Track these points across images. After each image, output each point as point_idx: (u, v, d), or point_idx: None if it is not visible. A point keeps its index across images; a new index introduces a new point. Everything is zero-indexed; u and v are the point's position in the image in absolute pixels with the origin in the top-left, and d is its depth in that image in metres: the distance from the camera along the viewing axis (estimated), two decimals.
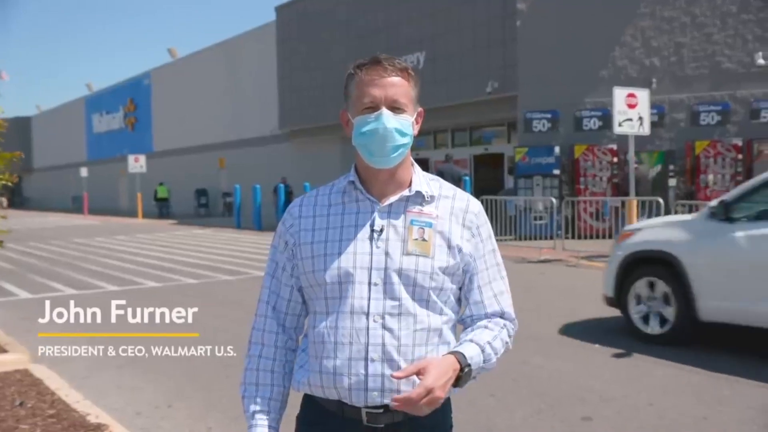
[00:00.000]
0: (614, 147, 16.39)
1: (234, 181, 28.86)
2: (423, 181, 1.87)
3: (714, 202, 6.65)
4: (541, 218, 15.62)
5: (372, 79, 1.78)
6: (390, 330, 1.75)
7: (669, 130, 16.52)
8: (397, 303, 1.76)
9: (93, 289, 11.02)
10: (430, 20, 21.00)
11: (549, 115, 17.32)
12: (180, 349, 6.93)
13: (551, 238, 14.33)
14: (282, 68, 28.01)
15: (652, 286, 6.81)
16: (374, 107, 1.77)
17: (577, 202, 15.34)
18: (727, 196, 6.59)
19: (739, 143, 15.65)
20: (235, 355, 6.60)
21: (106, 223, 30.12)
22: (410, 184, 1.85)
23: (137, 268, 13.58)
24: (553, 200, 14.22)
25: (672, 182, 15.98)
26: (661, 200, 12.69)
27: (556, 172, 16.66)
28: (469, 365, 1.74)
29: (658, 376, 5.60)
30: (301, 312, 1.94)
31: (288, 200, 23.85)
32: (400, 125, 1.77)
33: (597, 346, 6.62)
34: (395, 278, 1.76)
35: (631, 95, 12.58)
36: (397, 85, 1.79)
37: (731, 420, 4.56)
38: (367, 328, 1.75)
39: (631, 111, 12.52)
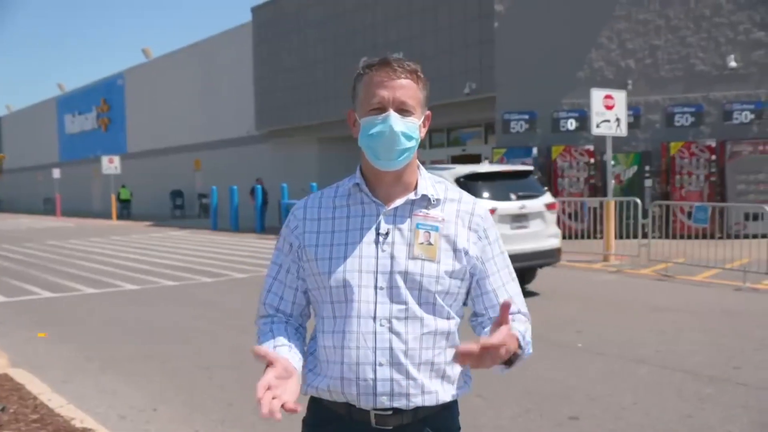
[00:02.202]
0: (591, 148, 16.53)
1: (210, 183, 28.69)
2: (429, 183, 1.86)
3: None
4: None
5: (381, 81, 1.76)
6: (397, 334, 1.74)
7: (644, 131, 16.71)
8: (403, 307, 1.75)
9: (70, 292, 10.89)
10: (407, 21, 21.04)
11: (526, 116, 17.43)
12: (161, 351, 6.88)
13: None
14: (258, 69, 27.88)
15: None
16: (382, 109, 1.75)
17: None
18: None
19: (713, 144, 15.87)
20: (215, 356, 6.56)
21: (80, 226, 29.74)
22: (416, 187, 1.83)
23: (114, 270, 13.43)
24: None
25: (648, 183, 16.16)
26: (638, 201, 12.84)
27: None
28: (522, 348, 1.74)
29: (641, 375, 5.65)
30: (303, 312, 1.92)
31: (265, 201, 23.73)
32: (407, 129, 1.76)
33: (580, 345, 6.67)
34: (401, 282, 1.75)
35: (608, 97, 12.71)
36: (405, 87, 1.77)
37: (715, 418, 4.61)
38: (375, 332, 1.74)
39: (609, 112, 12.66)
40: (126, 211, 35.19)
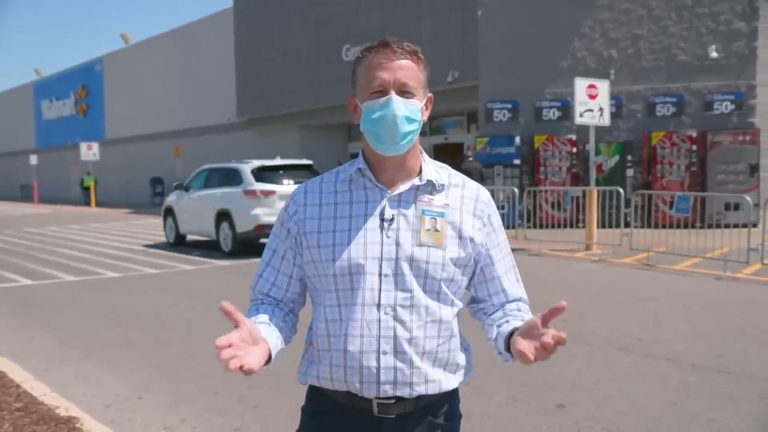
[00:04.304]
0: (573, 137, 16.58)
1: (190, 170, 28.36)
2: (432, 169, 1.83)
3: (177, 183, 15.61)
4: (502, 208, 15.70)
5: (380, 63, 1.72)
6: (402, 322, 1.71)
7: (626, 121, 16.78)
8: (408, 295, 1.72)
9: (50, 280, 10.76)
10: (391, 9, 20.92)
11: (509, 105, 17.42)
12: (144, 339, 6.82)
13: (513, 227, 14.47)
14: (240, 56, 27.63)
15: (171, 220, 14.74)
16: (383, 91, 1.71)
17: (537, 192, 15.47)
18: (185, 181, 15.01)
19: (694, 134, 15.98)
20: (200, 344, 6.51)
21: (58, 213, 29.40)
22: (420, 172, 1.80)
23: (95, 258, 13.30)
24: (515, 190, 14.33)
25: (630, 172, 16.26)
26: (621, 190, 12.90)
27: (517, 161, 16.80)
28: None
29: (625, 363, 5.69)
30: (296, 300, 1.88)
31: None
32: (410, 111, 1.73)
33: (563, 334, 6.69)
34: (406, 269, 1.72)
35: (592, 86, 12.74)
36: (406, 68, 1.73)
37: (700, 406, 4.65)
38: (379, 320, 1.71)
39: (592, 102, 12.68)
40: (88, 198, 34.52)
